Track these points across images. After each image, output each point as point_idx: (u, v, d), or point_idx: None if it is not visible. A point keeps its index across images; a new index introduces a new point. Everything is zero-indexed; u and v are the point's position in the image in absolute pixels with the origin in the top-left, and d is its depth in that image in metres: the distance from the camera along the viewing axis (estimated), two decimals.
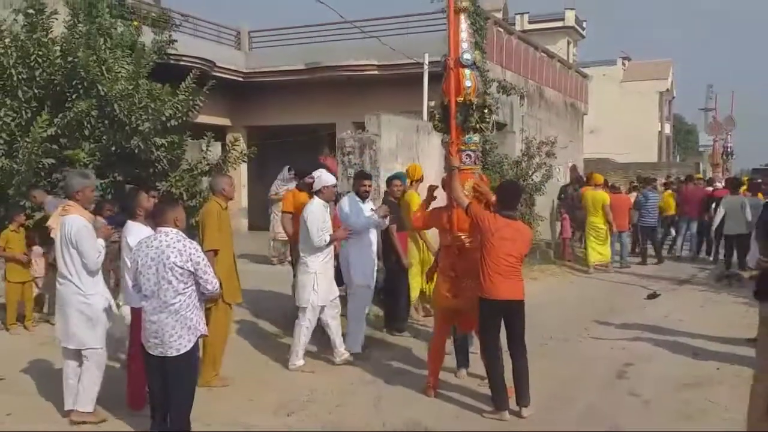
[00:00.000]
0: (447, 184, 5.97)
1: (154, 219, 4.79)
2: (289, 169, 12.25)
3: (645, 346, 7.83)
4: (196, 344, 4.62)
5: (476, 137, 5.95)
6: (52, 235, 5.68)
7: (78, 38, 9.48)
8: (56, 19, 9.64)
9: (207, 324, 4.98)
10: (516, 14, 37.62)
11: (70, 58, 9.25)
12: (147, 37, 11.30)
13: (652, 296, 10.81)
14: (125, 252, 5.59)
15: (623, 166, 29.97)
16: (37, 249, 8.22)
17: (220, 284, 4.94)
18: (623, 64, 46.01)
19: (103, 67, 9.27)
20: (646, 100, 42.71)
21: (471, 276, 5.69)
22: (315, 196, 6.90)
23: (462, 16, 5.83)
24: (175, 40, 11.55)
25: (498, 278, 5.48)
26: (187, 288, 4.52)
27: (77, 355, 5.33)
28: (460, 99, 5.73)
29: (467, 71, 5.78)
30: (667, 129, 48.35)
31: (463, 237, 5.82)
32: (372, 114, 11.47)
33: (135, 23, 11.48)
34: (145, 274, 4.53)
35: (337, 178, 11.19)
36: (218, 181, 6.39)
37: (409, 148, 12.15)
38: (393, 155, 11.57)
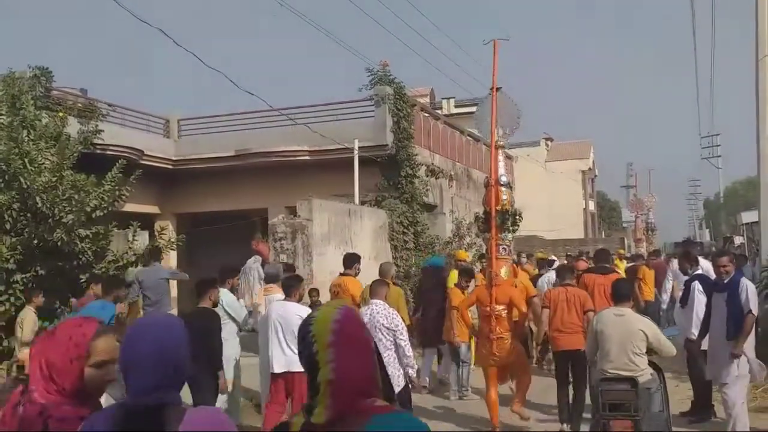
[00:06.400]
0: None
1: (370, 295, 6.67)
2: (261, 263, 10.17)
3: None
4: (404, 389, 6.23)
5: (510, 236, 7.84)
6: (260, 310, 7.47)
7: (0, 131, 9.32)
8: None
9: None
10: (443, 98, 38.78)
11: None
12: (73, 127, 11.19)
13: None
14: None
15: (551, 243, 30.71)
16: None
17: None
18: (546, 144, 47.76)
19: (26, 160, 9.10)
20: (569, 178, 44.27)
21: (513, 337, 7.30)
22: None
23: (499, 151, 7.89)
24: (102, 130, 11.48)
25: None
26: (393, 345, 6.13)
27: None
28: (499, 208, 7.57)
29: (504, 188, 7.73)
30: (592, 206, 50.05)
31: (499, 308, 7.23)
32: (303, 199, 11.53)
33: (60, 114, 11.36)
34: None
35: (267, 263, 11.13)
36: (389, 268, 8.50)
37: (341, 231, 12.22)
38: (326, 239, 11.61)
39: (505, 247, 7.73)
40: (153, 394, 1.92)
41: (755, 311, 6.32)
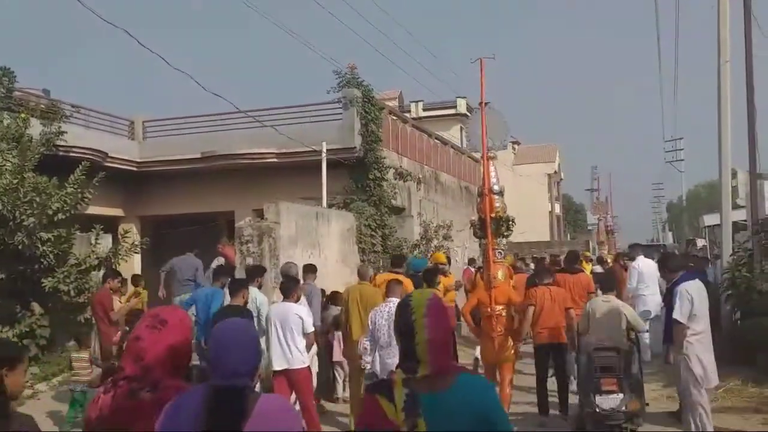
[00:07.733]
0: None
1: (387, 294, 7.11)
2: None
3: None
4: None
5: (504, 241, 8.49)
6: None
7: None
8: None
9: None
10: (411, 102, 38.91)
11: None
12: (35, 129, 10.98)
13: None
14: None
15: (518, 246, 30.93)
16: None
17: None
18: (513, 148, 48.14)
19: None
20: (536, 182, 44.72)
21: (509, 335, 7.75)
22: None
23: (491, 162, 8.32)
24: (65, 132, 11.28)
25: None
26: None
27: None
28: (493, 215, 8.08)
29: (497, 197, 8.24)
30: (558, 209, 50.58)
31: (499, 308, 7.78)
32: (270, 202, 11.43)
33: (22, 115, 11.13)
34: (381, 330, 6.64)
35: (235, 267, 11.05)
36: (367, 270, 9.03)
37: (309, 234, 12.15)
38: (293, 242, 11.52)
39: (501, 251, 8.44)
40: (241, 377, 2.33)
41: (681, 319, 6.39)
